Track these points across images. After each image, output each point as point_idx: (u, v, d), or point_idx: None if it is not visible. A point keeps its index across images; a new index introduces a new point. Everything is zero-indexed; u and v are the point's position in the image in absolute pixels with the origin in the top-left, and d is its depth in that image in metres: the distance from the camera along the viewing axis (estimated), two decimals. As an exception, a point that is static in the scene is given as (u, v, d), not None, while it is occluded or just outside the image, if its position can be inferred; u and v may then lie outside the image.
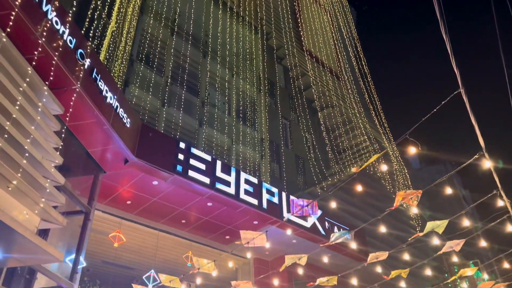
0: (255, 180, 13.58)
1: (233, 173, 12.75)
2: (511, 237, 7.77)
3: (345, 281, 8.94)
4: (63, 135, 7.19)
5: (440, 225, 6.45)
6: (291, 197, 14.62)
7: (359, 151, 21.97)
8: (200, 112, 15.98)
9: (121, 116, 9.77)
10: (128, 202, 12.15)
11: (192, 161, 11.64)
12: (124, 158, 10.34)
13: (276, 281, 9.25)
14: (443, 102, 4.69)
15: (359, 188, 6.17)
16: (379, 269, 8.35)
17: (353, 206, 19.17)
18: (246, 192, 12.89)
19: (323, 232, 15.05)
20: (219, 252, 15.87)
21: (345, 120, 22.86)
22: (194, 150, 11.93)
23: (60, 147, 7.07)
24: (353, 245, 6.97)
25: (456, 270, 21.27)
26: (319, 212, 15.46)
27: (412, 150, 4.89)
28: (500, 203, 6.07)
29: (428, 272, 8.34)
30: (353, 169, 5.25)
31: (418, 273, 17.79)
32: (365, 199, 19.96)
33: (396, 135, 26.35)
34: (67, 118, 7.60)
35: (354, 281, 8.15)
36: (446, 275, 21.32)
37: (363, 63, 27.21)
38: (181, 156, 11.40)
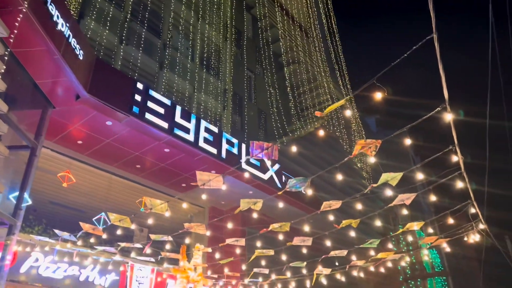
0: (215, 129, 13.32)
1: (193, 120, 12.40)
2: (458, 195, 8.09)
3: (298, 229, 9.12)
4: (6, 58, 6.51)
5: (394, 177, 6.55)
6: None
7: (321, 110, 22.03)
8: (161, 54, 15.17)
9: (74, 47, 9.03)
10: (79, 142, 11.56)
11: (150, 104, 11.14)
12: (76, 93, 9.69)
13: (230, 225, 9.28)
14: (414, 47, 4.55)
15: (321, 132, 6.07)
16: (331, 217, 8.56)
17: (310, 163, 19.50)
18: (206, 140, 12.64)
19: (279, 185, 15.23)
20: (175, 199, 15.75)
21: (310, 78, 22.70)
22: (153, 93, 11.40)
23: (3, 71, 6.40)
24: (309, 192, 7.00)
25: (401, 227, 22.54)
26: (277, 166, 15.59)
27: (378, 96, 4.79)
28: (454, 158, 6.18)
29: (378, 223, 8.64)
30: (317, 113, 5.10)
31: (366, 227, 18.68)
32: (323, 156, 20.33)
33: (358, 99, 26.66)
34: (11, 41, 6.87)
35: (306, 228, 8.31)
36: (391, 233, 22.55)
37: (333, 21, 26.84)
38: (138, 97, 10.86)
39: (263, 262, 10.84)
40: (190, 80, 15.92)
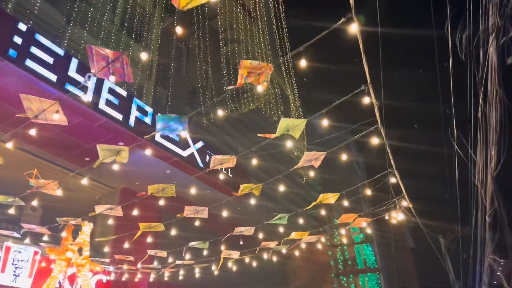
0: (123, 93, 11.53)
1: (94, 78, 10.53)
2: (381, 161, 6.95)
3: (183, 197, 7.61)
4: None
5: (298, 125, 5.22)
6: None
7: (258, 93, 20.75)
8: (70, 7, 13.08)
9: None
10: None
11: (35, 50, 9.20)
12: None
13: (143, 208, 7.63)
14: None
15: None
16: (221, 176, 7.18)
17: (240, 144, 18.17)
18: (108, 103, 10.83)
19: (201, 164, 13.68)
20: (76, 176, 13.71)
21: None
22: (40, 37, 9.45)
23: None
24: (185, 134, 5.54)
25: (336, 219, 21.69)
26: (200, 143, 14.00)
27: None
28: (366, 100, 4.95)
29: (281, 188, 7.35)
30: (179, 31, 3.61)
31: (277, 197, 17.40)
32: (255, 140, 19.08)
33: (299, 86, 25.73)
34: None
35: (192, 190, 6.85)
36: (314, 225, 21.55)
37: (280, 7, 25.67)
38: (18, 40, 8.90)
39: (158, 244, 9.24)
40: (106, 42, 13.94)
